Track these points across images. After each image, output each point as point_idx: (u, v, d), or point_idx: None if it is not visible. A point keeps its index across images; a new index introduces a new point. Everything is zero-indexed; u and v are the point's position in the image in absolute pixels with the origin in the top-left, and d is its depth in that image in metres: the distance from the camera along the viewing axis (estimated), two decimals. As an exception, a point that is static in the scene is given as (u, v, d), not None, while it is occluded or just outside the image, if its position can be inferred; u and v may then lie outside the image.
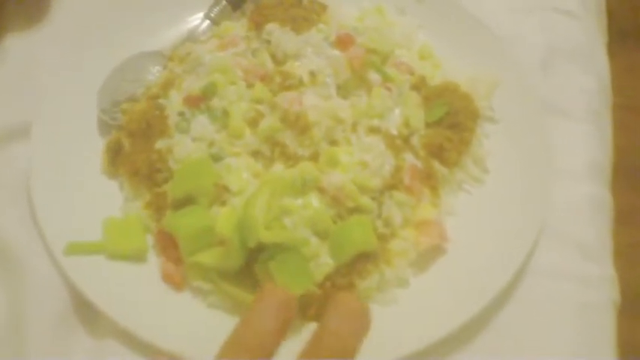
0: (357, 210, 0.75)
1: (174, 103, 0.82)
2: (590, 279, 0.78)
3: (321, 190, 0.74)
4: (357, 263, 0.73)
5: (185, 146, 0.78)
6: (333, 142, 0.79)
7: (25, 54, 0.93)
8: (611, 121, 0.95)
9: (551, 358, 0.73)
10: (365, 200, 0.75)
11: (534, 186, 0.81)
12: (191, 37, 0.92)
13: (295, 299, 0.46)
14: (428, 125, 0.83)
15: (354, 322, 0.46)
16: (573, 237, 0.81)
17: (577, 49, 0.97)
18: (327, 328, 0.45)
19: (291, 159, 0.78)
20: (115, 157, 0.81)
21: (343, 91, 0.84)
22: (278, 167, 0.77)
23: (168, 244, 0.74)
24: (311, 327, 0.72)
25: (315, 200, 0.73)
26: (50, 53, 0.92)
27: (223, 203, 0.75)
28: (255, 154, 0.79)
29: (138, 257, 0.75)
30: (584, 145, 0.89)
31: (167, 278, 0.74)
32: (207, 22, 0.94)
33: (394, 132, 0.81)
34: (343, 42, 0.86)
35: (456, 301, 0.73)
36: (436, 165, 0.81)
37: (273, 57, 0.86)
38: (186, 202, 0.75)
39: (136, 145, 0.80)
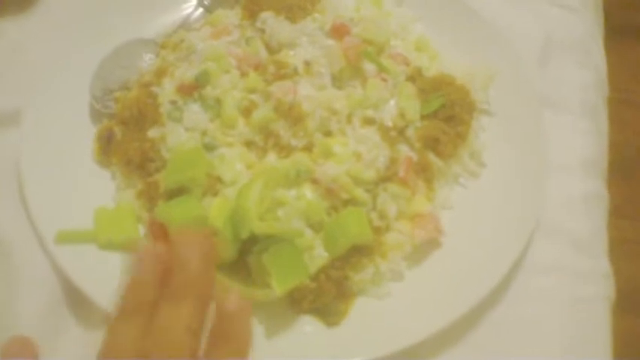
0: (352, 202, 0.74)
1: (166, 91, 0.81)
2: (585, 273, 0.78)
3: (315, 182, 0.73)
4: (352, 256, 0.72)
5: (178, 135, 0.77)
6: (328, 133, 0.78)
7: (15, 39, 0.92)
8: (607, 115, 0.95)
9: (545, 352, 0.73)
10: (359, 192, 0.74)
11: (530, 180, 0.80)
12: (184, 24, 0.91)
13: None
14: (423, 117, 0.82)
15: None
16: (568, 231, 0.80)
17: (574, 43, 0.97)
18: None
19: (284, 150, 0.77)
20: (107, 145, 0.80)
21: (338, 81, 0.83)
22: (271, 158, 0.76)
23: (160, 234, 0.72)
24: (304, 320, 0.71)
25: (308, 192, 0.72)
26: (41, 39, 0.90)
27: (216, 194, 0.74)
28: (249, 144, 0.78)
29: (130, 246, 0.74)
30: (580, 139, 0.88)
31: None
32: (201, 9, 0.93)
33: (389, 123, 0.80)
34: (338, 32, 0.85)
35: (451, 296, 0.73)
36: (431, 157, 0.80)
37: (267, 46, 0.85)
38: (178, 191, 0.74)
39: (128, 133, 0.79)
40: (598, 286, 0.78)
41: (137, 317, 0.43)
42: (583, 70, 0.95)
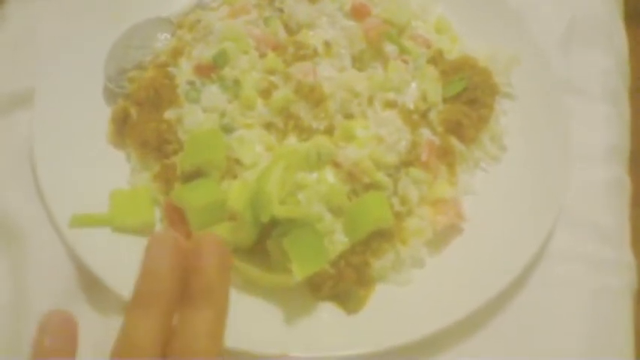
0: (373, 186, 0.73)
1: (184, 71, 0.79)
2: (607, 263, 0.77)
3: (336, 165, 0.72)
4: (372, 242, 0.71)
5: (195, 117, 0.76)
6: (349, 116, 0.77)
7: (27, 19, 0.90)
8: (628, 102, 0.93)
9: (566, 340, 0.72)
10: (381, 176, 0.73)
11: (552, 167, 0.79)
12: (201, 3, 0.89)
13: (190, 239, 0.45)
14: (445, 100, 0.81)
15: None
16: (591, 220, 0.79)
17: (597, 27, 0.95)
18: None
19: (305, 132, 0.75)
20: (122, 126, 0.78)
21: (358, 62, 0.82)
22: (291, 140, 0.75)
23: (176, 218, 0.71)
24: (323, 307, 0.70)
25: (330, 175, 0.71)
26: (54, 18, 0.89)
27: (235, 177, 0.73)
28: (268, 126, 0.76)
29: (145, 231, 0.72)
30: (602, 126, 0.87)
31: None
32: (218, -13, 0.91)
33: (411, 106, 0.78)
34: (359, 12, 0.84)
35: (473, 283, 0.71)
36: (454, 141, 0.78)
37: (286, 26, 0.84)
38: (196, 174, 0.73)
39: (143, 114, 0.78)
40: (621, 276, 0.77)
41: (154, 310, 0.42)
42: (605, 55, 0.94)
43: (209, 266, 0.43)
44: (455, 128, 0.79)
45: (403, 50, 0.82)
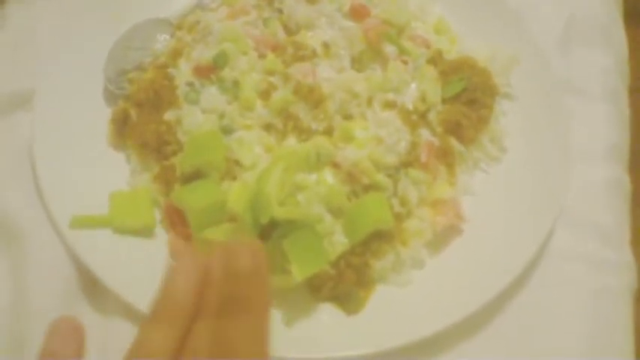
0: (372, 187, 0.73)
1: (183, 72, 0.79)
2: (607, 263, 0.77)
3: (335, 166, 0.72)
4: (372, 243, 0.71)
5: (195, 118, 0.76)
6: (348, 117, 0.77)
7: (27, 19, 0.90)
8: (628, 102, 0.93)
9: (567, 340, 0.72)
10: (380, 177, 0.73)
11: (553, 166, 0.79)
12: (200, 4, 0.89)
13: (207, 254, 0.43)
14: (445, 101, 0.81)
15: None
16: (591, 220, 0.79)
17: (596, 26, 0.95)
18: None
19: (304, 133, 0.75)
20: (122, 127, 0.78)
21: (357, 63, 0.82)
22: (291, 141, 0.75)
23: (176, 219, 0.71)
24: (323, 308, 0.70)
25: (329, 176, 0.71)
26: (53, 19, 0.89)
27: (234, 178, 0.73)
28: (268, 127, 0.76)
29: (145, 232, 0.73)
30: (602, 125, 0.87)
31: (175, 255, 0.71)
32: (217, -12, 0.91)
33: (410, 107, 0.78)
34: (358, 13, 0.84)
35: (473, 284, 0.71)
36: (453, 142, 0.78)
37: (286, 27, 0.84)
38: (195, 175, 0.73)
39: (143, 115, 0.78)
40: (621, 276, 0.77)
41: (170, 328, 0.41)
42: (604, 54, 0.94)
43: (244, 271, 0.42)
44: (454, 129, 0.79)
45: (402, 51, 0.82)
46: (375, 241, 0.71)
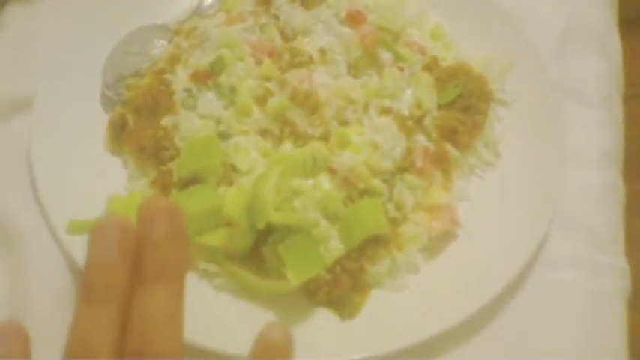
0: (368, 192, 0.73)
1: (180, 78, 0.80)
2: (601, 268, 0.77)
3: (331, 172, 0.72)
4: (368, 247, 0.71)
5: (192, 123, 0.76)
6: (344, 122, 0.77)
7: (25, 26, 0.90)
8: (622, 107, 0.93)
9: (561, 345, 0.72)
10: (376, 183, 0.73)
11: (547, 172, 0.79)
12: (197, 11, 0.90)
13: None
14: (440, 107, 0.81)
15: None
16: (584, 225, 0.79)
17: (591, 33, 0.95)
18: None
19: (300, 138, 0.76)
20: (119, 133, 0.79)
21: (354, 69, 0.82)
22: (287, 147, 0.75)
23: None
24: (319, 313, 0.70)
25: (325, 182, 0.71)
26: (52, 25, 0.89)
27: (231, 183, 0.73)
28: (264, 132, 0.77)
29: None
30: (596, 131, 0.87)
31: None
32: (214, -5, 0.91)
33: (406, 113, 0.79)
34: (354, 19, 0.84)
35: (468, 289, 0.71)
36: (448, 148, 0.79)
37: (282, 33, 0.84)
38: (192, 181, 0.73)
39: (141, 121, 0.78)
40: (614, 280, 0.77)
41: (107, 305, 0.37)
42: (599, 60, 0.94)
43: (159, 236, 0.37)
44: (450, 135, 0.79)
45: (398, 57, 0.82)
46: (371, 246, 0.71)
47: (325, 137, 0.76)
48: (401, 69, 0.81)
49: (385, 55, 0.82)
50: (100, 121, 0.81)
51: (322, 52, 0.81)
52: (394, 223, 0.74)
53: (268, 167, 0.71)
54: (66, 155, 0.77)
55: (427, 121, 0.79)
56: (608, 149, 0.86)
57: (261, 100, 0.78)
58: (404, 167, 0.75)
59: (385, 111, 0.78)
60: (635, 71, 1.09)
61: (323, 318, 0.70)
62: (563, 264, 0.76)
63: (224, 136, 0.75)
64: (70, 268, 0.71)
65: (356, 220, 0.70)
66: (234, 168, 0.74)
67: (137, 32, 0.87)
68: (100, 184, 0.76)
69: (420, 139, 0.78)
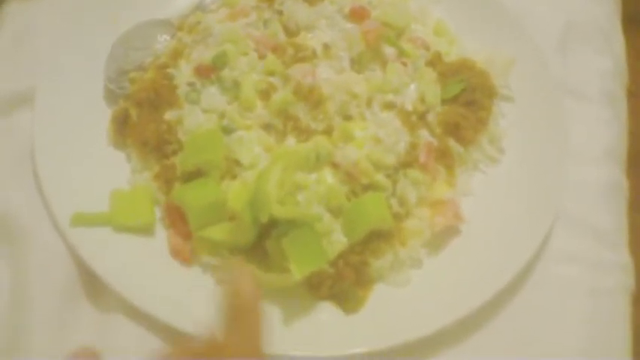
0: (372, 187, 0.73)
1: (183, 73, 0.80)
2: (604, 264, 0.77)
3: (334, 166, 0.72)
4: (371, 242, 0.71)
5: (195, 117, 0.76)
6: (347, 117, 0.77)
7: (27, 21, 0.90)
8: (626, 104, 0.93)
9: (564, 341, 0.72)
10: (379, 177, 0.73)
11: (550, 169, 0.79)
12: (200, 5, 0.89)
13: None
14: (444, 102, 0.81)
15: None
16: (588, 221, 0.79)
17: (594, 29, 0.95)
18: None
19: (304, 133, 0.76)
20: (122, 127, 0.79)
21: (357, 65, 0.82)
22: (290, 141, 0.75)
23: (176, 218, 0.72)
24: (322, 307, 0.70)
25: (329, 176, 0.72)
26: (53, 19, 0.89)
27: (234, 177, 0.73)
28: (267, 127, 0.77)
29: (145, 230, 0.73)
30: (599, 127, 0.87)
31: (175, 253, 0.72)
32: (218, -10, 0.91)
33: (409, 108, 0.79)
34: (358, 15, 0.84)
35: (471, 284, 0.71)
36: (452, 143, 0.79)
37: (286, 28, 0.84)
38: (195, 174, 0.73)
39: (144, 115, 0.78)
40: (618, 277, 0.77)
41: None
42: (602, 57, 0.94)
43: (244, 289, 0.48)
44: (453, 130, 0.79)
45: (402, 52, 0.82)
46: (374, 240, 0.72)
47: (328, 132, 0.76)
48: (404, 64, 0.81)
49: (389, 51, 0.82)
50: (103, 115, 0.81)
51: (326, 47, 0.81)
52: (397, 217, 0.74)
53: (272, 161, 0.71)
54: (69, 149, 0.77)
55: (431, 117, 0.79)
56: (612, 146, 0.86)
57: (265, 94, 0.78)
58: (407, 162, 0.75)
59: (388, 106, 0.78)
60: (637, 69, 1.09)
61: (326, 312, 0.70)
62: (567, 260, 0.76)
63: (227, 131, 0.75)
64: (73, 261, 0.71)
65: (359, 214, 0.70)
66: (237, 162, 0.73)
67: (139, 27, 0.87)
68: (103, 177, 0.76)
69: (424, 134, 0.78)
